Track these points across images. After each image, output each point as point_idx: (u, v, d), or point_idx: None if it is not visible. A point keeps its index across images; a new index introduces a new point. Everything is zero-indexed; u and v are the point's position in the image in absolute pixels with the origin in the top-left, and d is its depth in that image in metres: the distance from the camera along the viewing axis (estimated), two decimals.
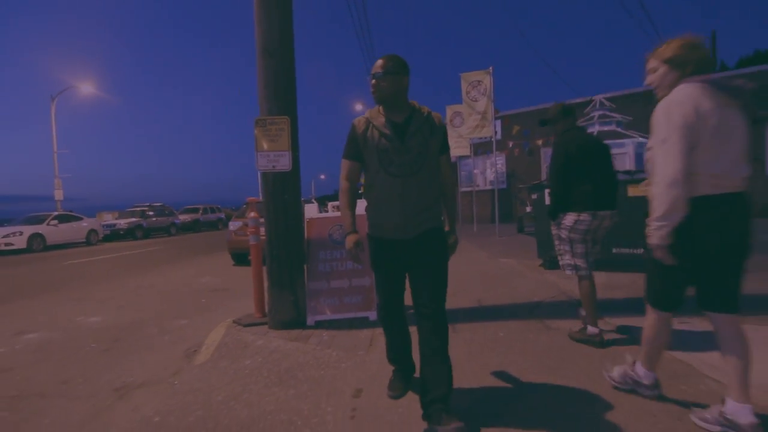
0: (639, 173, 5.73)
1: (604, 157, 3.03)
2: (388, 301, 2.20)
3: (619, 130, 12.70)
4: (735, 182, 1.75)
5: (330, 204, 4.37)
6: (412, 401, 2.23)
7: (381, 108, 2.07)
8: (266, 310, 3.89)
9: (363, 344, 3.16)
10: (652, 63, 1.95)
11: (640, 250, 5.27)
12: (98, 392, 2.71)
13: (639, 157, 12.60)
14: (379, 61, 2.01)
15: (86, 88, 24.02)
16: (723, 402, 1.83)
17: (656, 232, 1.80)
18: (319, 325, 3.65)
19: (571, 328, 3.22)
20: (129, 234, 18.36)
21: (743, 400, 1.76)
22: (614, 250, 5.42)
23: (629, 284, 4.71)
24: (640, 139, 12.30)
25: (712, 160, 1.73)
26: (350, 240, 2.06)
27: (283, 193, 3.56)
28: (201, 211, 24.86)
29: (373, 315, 3.71)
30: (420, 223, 2.01)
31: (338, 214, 4.07)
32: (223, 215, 27.19)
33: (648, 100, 16.66)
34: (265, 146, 3.50)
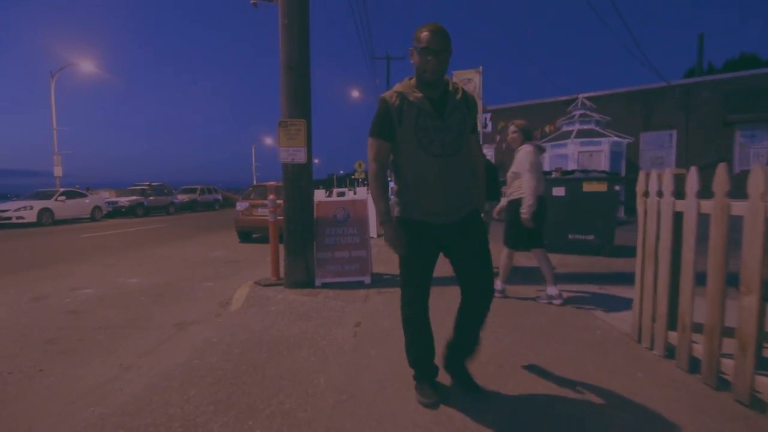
0: (593, 172, 6.74)
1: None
2: (419, 294, 2.01)
3: (597, 129, 13.70)
4: (543, 191, 3.74)
5: (335, 190, 5.15)
6: (395, 329, 3.20)
7: (414, 81, 1.91)
8: (281, 274, 4.84)
9: (360, 298, 4.14)
10: (512, 129, 3.92)
11: (591, 237, 6.30)
12: (162, 326, 3.65)
13: (614, 155, 13.65)
14: (433, 35, 1.79)
15: (86, 66, 24.29)
16: (545, 289, 3.79)
17: (528, 211, 3.59)
18: (325, 285, 4.61)
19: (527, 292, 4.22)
20: (130, 212, 19.08)
21: (552, 285, 3.76)
22: (570, 236, 6.44)
23: (577, 263, 5.74)
24: (616, 138, 13.33)
25: (540, 180, 3.66)
26: (389, 229, 1.92)
27: (299, 180, 4.48)
28: (198, 192, 25.57)
29: (367, 279, 4.69)
30: (462, 206, 1.94)
31: (341, 198, 5.01)
32: (219, 196, 27.92)
33: (627, 101, 17.69)
34: (286, 143, 4.40)
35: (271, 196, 4.97)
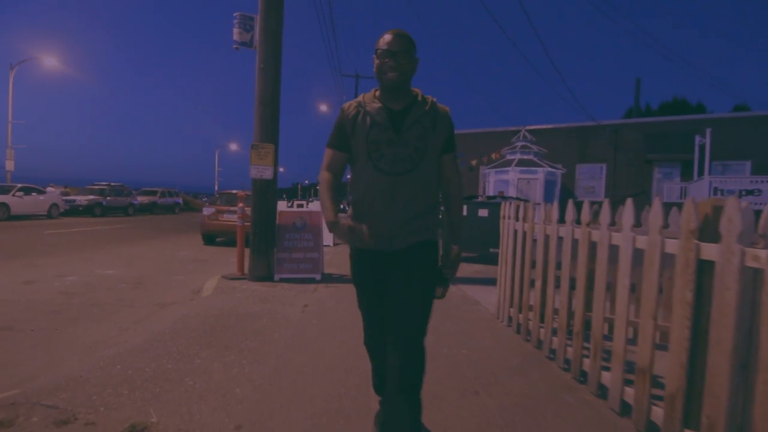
0: (510, 198, 8.16)
1: None
2: (375, 326, 1.84)
3: (535, 159, 15.49)
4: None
5: (295, 202, 6.06)
6: (334, 309, 4.26)
7: (377, 92, 1.74)
8: (245, 270, 5.78)
9: (310, 290, 5.17)
10: None
11: None
12: (146, 305, 4.52)
13: (548, 183, 15.47)
14: (391, 36, 1.64)
15: (49, 61, 24.00)
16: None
17: None
18: (282, 280, 5.61)
19: None
20: (87, 211, 19.01)
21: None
22: (491, 250, 7.76)
23: (488, 270, 7.05)
24: (549, 169, 15.14)
25: None
26: (337, 230, 1.64)
27: (266, 193, 5.50)
28: (159, 194, 25.55)
29: (318, 276, 5.73)
30: (410, 233, 1.69)
31: (300, 209, 6.05)
32: (180, 200, 27.92)
33: (567, 135, 19.83)
34: (257, 162, 5.42)
35: (240, 204, 5.94)
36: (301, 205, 6.08)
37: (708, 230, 1.61)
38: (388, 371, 1.65)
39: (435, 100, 1.75)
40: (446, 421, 2.11)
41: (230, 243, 10.48)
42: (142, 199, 23.70)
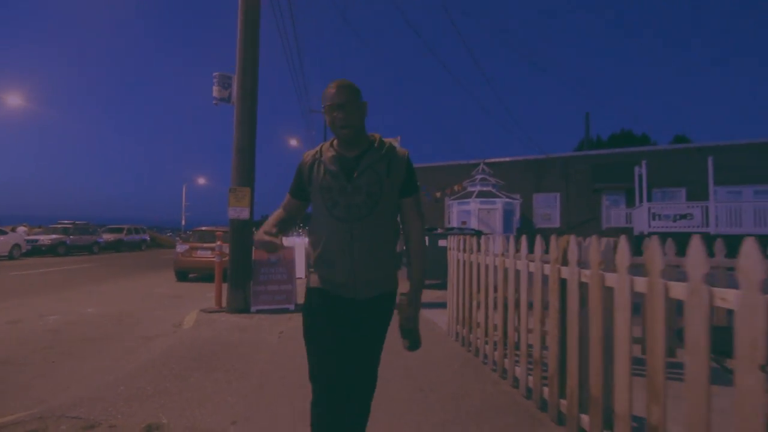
0: (466, 229, 9.02)
1: None
2: (328, 387, 1.62)
3: (494, 190, 16.65)
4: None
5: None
6: None
7: (335, 141, 1.74)
8: (223, 304, 6.24)
9: (284, 319, 5.69)
10: None
11: None
12: (133, 339, 4.92)
13: (506, 213, 16.60)
14: (335, 90, 1.64)
15: (12, 100, 23.79)
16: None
17: None
18: (259, 311, 6.10)
19: None
20: (51, 250, 18.62)
21: None
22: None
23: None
24: (507, 199, 16.31)
25: None
26: (260, 240, 1.67)
27: (243, 231, 6.06)
28: (125, 231, 25.18)
29: (291, 306, 6.25)
30: (375, 281, 1.67)
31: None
32: (147, 237, 27.54)
33: (524, 167, 21.32)
34: (234, 204, 6.01)
35: (219, 242, 6.45)
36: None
37: (563, 258, 2.37)
38: (333, 418, 1.59)
39: (393, 144, 1.75)
40: (398, 412, 2.73)
41: (203, 279, 10.78)
42: (107, 236, 23.33)
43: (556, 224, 20.50)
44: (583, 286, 2.19)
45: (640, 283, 1.78)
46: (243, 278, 6.05)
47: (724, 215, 15.21)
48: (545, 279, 2.59)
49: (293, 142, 31.86)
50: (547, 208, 20.96)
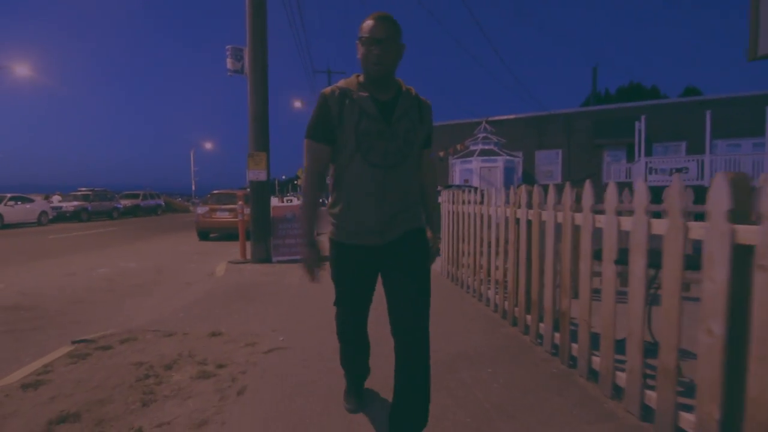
0: (465, 186, 9.67)
1: None
2: (352, 320, 1.89)
3: (495, 149, 17.13)
4: None
5: (285, 198, 7.41)
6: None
7: (360, 79, 1.64)
8: (247, 256, 7.11)
9: (301, 267, 6.56)
10: None
11: None
12: (176, 284, 5.82)
13: (507, 170, 17.15)
14: (376, 22, 1.54)
15: (22, 69, 24.19)
16: None
17: None
18: (279, 261, 6.97)
19: None
20: (74, 216, 19.69)
21: None
22: None
23: None
24: (508, 157, 16.81)
25: None
26: (308, 253, 1.71)
27: (262, 192, 6.83)
28: (141, 197, 26.17)
29: None
30: (398, 224, 1.66)
31: (290, 204, 7.39)
32: (162, 202, 28.56)
33: (525, 124, 21.55)
34: (253, 167, 6.73)
35: (240, 203, 7.24)
36: (290, 200, 7.43)
37: (519, 203, 3.09)
38: (398, 362, 1.65)
39: (417, 93, 1.71)
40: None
41: (222, 238, 11.69)
42: (125, 202, 24.34)
43: (558, 180, 20.99)
44: (528, 223, 2.93)
45: (560, 217, 2.51)
46: (264, 233, 6.88)
47: (722, 168, 15.60)
48: (512, 222, 3.32)
49: (297, 104, 32.02)
50: (549, 165, 21.40)
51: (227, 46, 6.84)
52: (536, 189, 2.82)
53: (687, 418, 1.66)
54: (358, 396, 2.14)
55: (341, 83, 1.66)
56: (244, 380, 2.51)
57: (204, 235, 11.63)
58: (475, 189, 4.68)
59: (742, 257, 1.41)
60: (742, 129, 17.33)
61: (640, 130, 16.76)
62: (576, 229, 2.44)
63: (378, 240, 1.66)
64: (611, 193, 2.01)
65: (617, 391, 2.11)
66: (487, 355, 2.80)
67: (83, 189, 22.26)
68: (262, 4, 6.60)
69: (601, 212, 2.14)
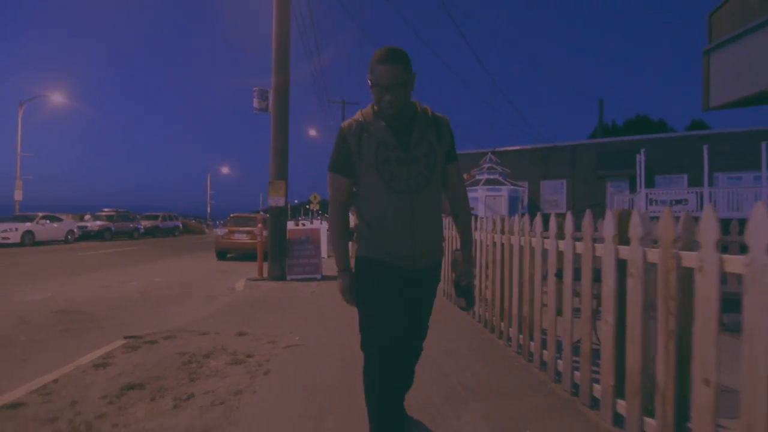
0: None
1: None
2: (388, 355, 1.64)
3: (500, 179, 17.83)
4: None
5: (300, 222, 8.19)
6: (330, 293, 6.29)
7: (376, 108, 1.65)
8: (264, 274, 7.80)
9: (314, 284, 7.21)
10: None
11: None
12: (201, 296, 6.51)
13: (512, 199, 17.77)
14: (384, 68, 1.54)
15: (55, 98, 25.93)
16: None
17: None
18: (293, 279, 7.64)
19: None
20: (98, 235, 20.73)
21: None
22: None
23: None
24: (512, 187, 17.47)
25: None
26: (345, 279, 1.71)
27: (280, 216, 7.58)
28: (161, 219, 27.30)
29: (319, 276, 7.76)
30: (431, 251, 1.70)
31: (304, 227, 8.10)
32: (179, 223, 29.65)
33: (531, 155, 22.29)
34: (273, 194, 7.51)
35: (260, 225, 7.99)
36: (304, 224, 8.17)
37: (502, 229, 3.74)
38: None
39: (432, 111, 1.72)
40: None
41: (239, 258, 12.43)
42: (145, 223, 25.42)
43: (563, 209, 21.50)
44: (503, 246, 3.57)
45: (524, 241, 3.15)
46: (280, 253, 7.58)
47: (723, 200, 16.01)
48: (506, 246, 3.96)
49: (312, 133, 33.31)
50: (554, 194, 21.97)
51: (254, 88, 7.75)
52: (506, 218, 3.48)
53: (597, 388, 2.24)
54: None
55: (358, 115, 1.69)
56: (269, 366, 3.15)
57: (222, 255, 12.38)
58: (475, 217, 5.33)
59: (623, 269, 2.04)
60: (742, 163, 17.80)
61: (640, 163, 17.34)
62: (545, 252, 3.06)
63: (411, 265, 1.65)
64: (551, 223, 2.66)
65: (559, 376, 2.70)
66: (465, 353, 3.40)
67: (107, 210, 23.42)
68: (286, 58, 7.54)
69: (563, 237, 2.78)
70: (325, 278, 7.89)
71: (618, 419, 2.08)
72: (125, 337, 3.93)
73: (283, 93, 7.48)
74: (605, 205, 20.86)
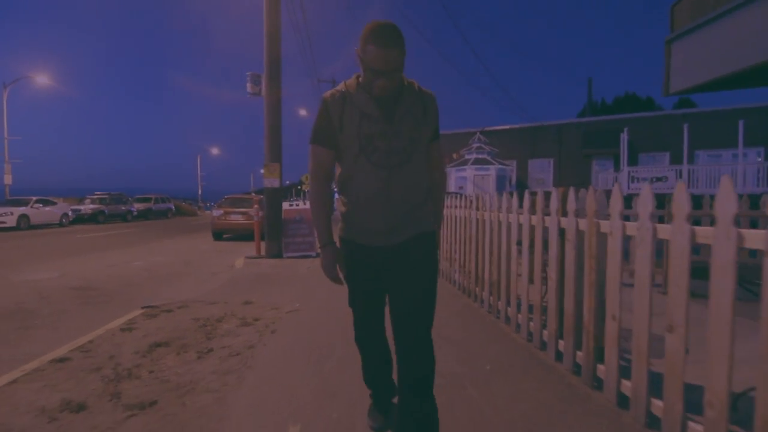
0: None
1: None
2: (367, 322, 1.85)
3: (488, 158, 18.28)
4: None
5: (294, 202, 8.63)
6: None
7: (360, 80, 1.59)
8: (262, 252, 8.25)
9: (309, 261, 7.70)
10: None
11: None
12: (204, 273, 6.95)
13: (500, 178, 18.28)
14: (380, 51, 1.45)
15: (41, 79, 25.60)
16: None
17: None
18: (289, 257, 8.11)
19: None
20: (91, 218, 20.94)
21: None
22: None
23: None
24: (500, 166, 17.96)
25: None
26: (327, 255, 1.73)
27: (275, 197, 7.98)
28: (153, 201, 27.42)
29: (313, 253, 8.24)
30: (407, 225, 1.64)
31: (298, 207, 8.53)
32: (172, 206, 29.79)
33: (519, 134, 22.70)
34: (268, 175, 7.89)
35: (256, 206, 8.39)
36: (298, 205, 8.60)
37: (473, 204, 4.22)
38: (400, 373, 1.60)
39: (419, 85, 1.66)
40: None
41: (235, 238, 12.84)
42: (138, 206, 25.58)
43: (550, 187, 22.08)
44: (478, 221, 4.06)
45: (493, 216, 3.63)
46: (276, 232, 8.03)
47: (703, 177, 16.66)
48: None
49: (303, 113, 33.30)
50: (541, 173, 22.53)
51: (247, 73, 8.03)
52: (480, 196, 3.95)
53: (545, 333, 2.77)
54: (384, 412, 2.01)
55: (341, 86, 1.64)
56: (274, 326, 3.64)
57: (218, 236, 12.78)
58: (458, 195, 5.79)
59: (563, 236, 2.53)
60: (722, 140, 18.42)
61: (623, 141, 17.87)
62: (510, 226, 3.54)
63: (385, 240, 1.63)
64: (525, 200, 3.13)
65: (518, 327, 3.22)
66: (444, 315, 3.92)
67: (99, 193, 23.51)
68: (277, 36, 7.79)
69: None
70: (320, 255, 8.36)
71: (559, 356, 2.61)
72: (143, 307, 4.39)
73: (276, 78, 7.78)
74: (590, 183, 21.50)
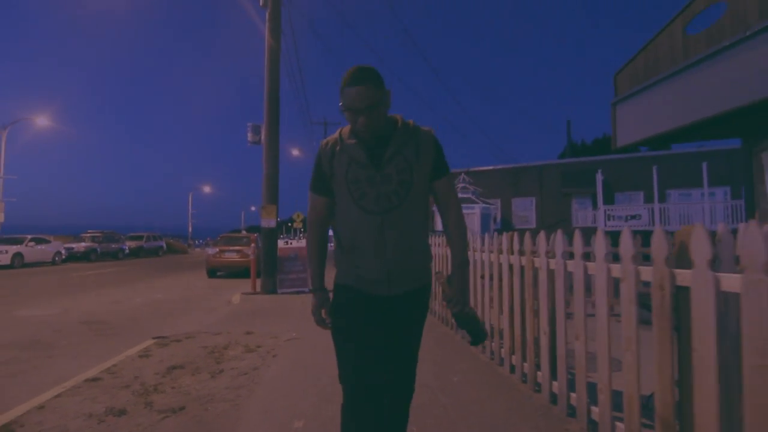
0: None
1: None
2: (361, 386, 1.60)
3: (473, 197, 19.19)
4: None
5: (289, 240, 9.21)
6: None
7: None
8: (257, 288, 8.74)
9: (303, 296, 8.20)
10: None
11: None
12: (203, 309, 7.42)
13: (484, 217, 19.12)
14: (354, 90, 1.47)
15: (39, 121, 26.37)
16: None
17: None
18: (283, 293, 8.61)
19: None
20: (83, 257, 21.13)
21: None
22: None
23: None
24: (484, 205, 18.85)
25: None
26: (315, 300, 1.71)
27: (272, 236, 8.59)
28: (145, 239, 27.68)
29: (307, 289, 8.75)
30: (408, 275, 1.60)
31: (292, 245, 9.12)
32: (163, 243, 30.02)
33: (503, 175, 23.85)
34: (265, 216, 8.53)
35: (253, 245, 8.96)
36: (292, 243, 9.20)
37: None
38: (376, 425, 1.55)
39: (416, 124, 1.63)
40: None
41: (228, 276, 13.25)
42: (130, 244, 25.81)
43: (533, 225, 23.01)
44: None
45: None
46: (272, 269, 8.57)
47: (675, 215, 17.71)
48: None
49: (295, 152, 34.39)
50: (525, 211, 23.51)
51: (248, 123, 8.85)
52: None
53: (503, 351, 3.36)
54: None
55: (336, 133, 1.65)
56: (275, 351, 4.17)
57: (213, 273, 13.20)
58: (440, 234, 6.44)
59: (519, 270, 3.19)
60: (689, 181, 19.64)
61: (599, 182, 19.00)
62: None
63: (384, 291, 1.57)
64: (486, 240, 3.80)
65: (484, 348, 3.80)
66: (426, 342, 4.49)
67: (92, 231, 23.80)
68: (276, 98, 8.68)
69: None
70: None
71: (513, 369, 3.20)
72: (154, 338, 4.87)
73: (274, 132, 8.60)
74: (570, 221, 22.48)
